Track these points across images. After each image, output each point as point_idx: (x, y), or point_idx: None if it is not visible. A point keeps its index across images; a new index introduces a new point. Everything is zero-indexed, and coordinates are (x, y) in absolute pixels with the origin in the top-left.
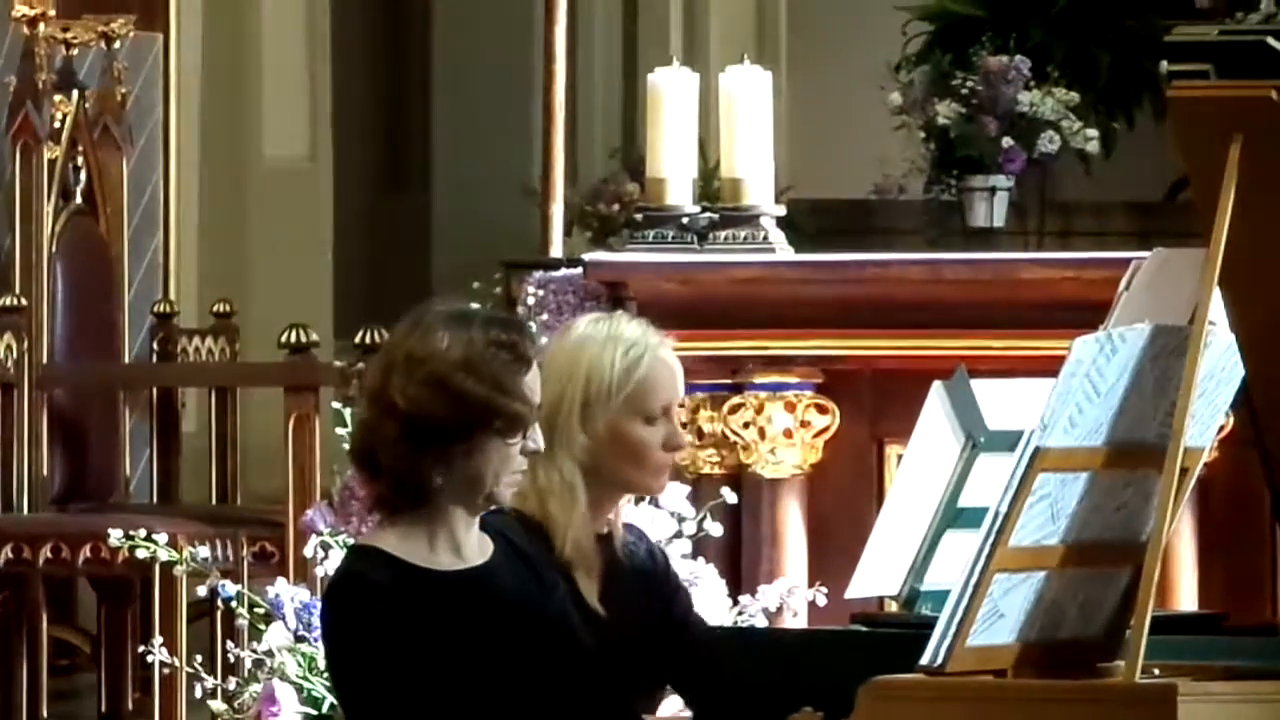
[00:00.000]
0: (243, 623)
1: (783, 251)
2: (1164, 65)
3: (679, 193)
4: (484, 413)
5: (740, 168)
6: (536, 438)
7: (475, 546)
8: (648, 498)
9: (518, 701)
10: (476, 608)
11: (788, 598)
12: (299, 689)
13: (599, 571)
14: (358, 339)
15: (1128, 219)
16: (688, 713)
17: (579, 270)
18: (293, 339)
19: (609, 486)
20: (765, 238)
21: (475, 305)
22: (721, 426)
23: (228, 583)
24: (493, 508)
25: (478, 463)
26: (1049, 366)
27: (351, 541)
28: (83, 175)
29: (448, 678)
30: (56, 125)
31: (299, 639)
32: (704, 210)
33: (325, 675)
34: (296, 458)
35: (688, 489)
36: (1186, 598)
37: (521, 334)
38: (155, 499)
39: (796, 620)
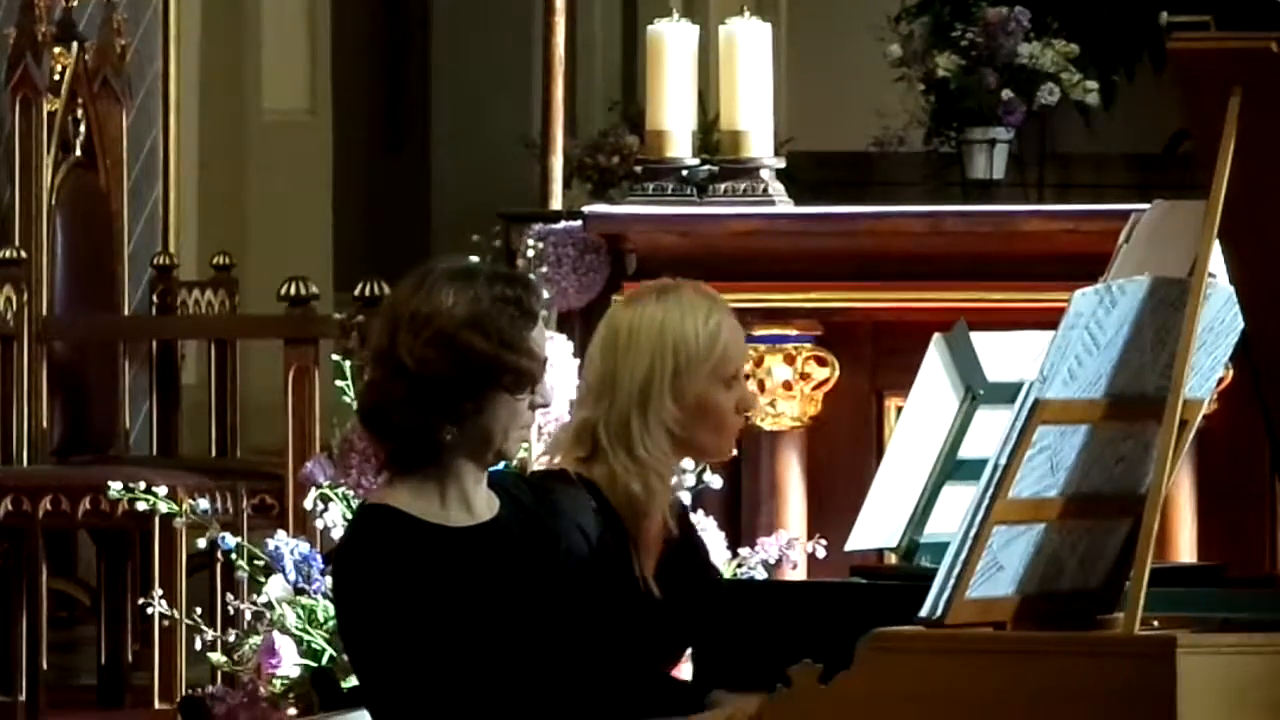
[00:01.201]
0: (242, 575)
1: (782, 204)
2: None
3: (679, 145)
4: (492, 369)
5: (740, 120)
6: (545, 392)
7: (485, 502)
8: None
9: (529, 656)
10: (489, 562)
11: (787, 550)
12: (299, 641)
13: (657, 548)
14: (357, 291)
15: (1127, 171)
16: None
17: (578, 223)
18: (292, 291)
19: (687, 455)
20: (765, 190)
21: (477, 260)
22: None
23: (227, 535)
24: (500, 464)
25: (487, 419)
26: (1048, 319)
27: (352, 495)
28: (82, 128)
29: (460, 633)
30: (56, 78)
31: (299, 591)
32: (704, 163)
33: (328, 629)
34: (296, 410)
35: None
36: (1186, 549)
37: (527, 289)
38: (155, 451)
39: (796, 572)
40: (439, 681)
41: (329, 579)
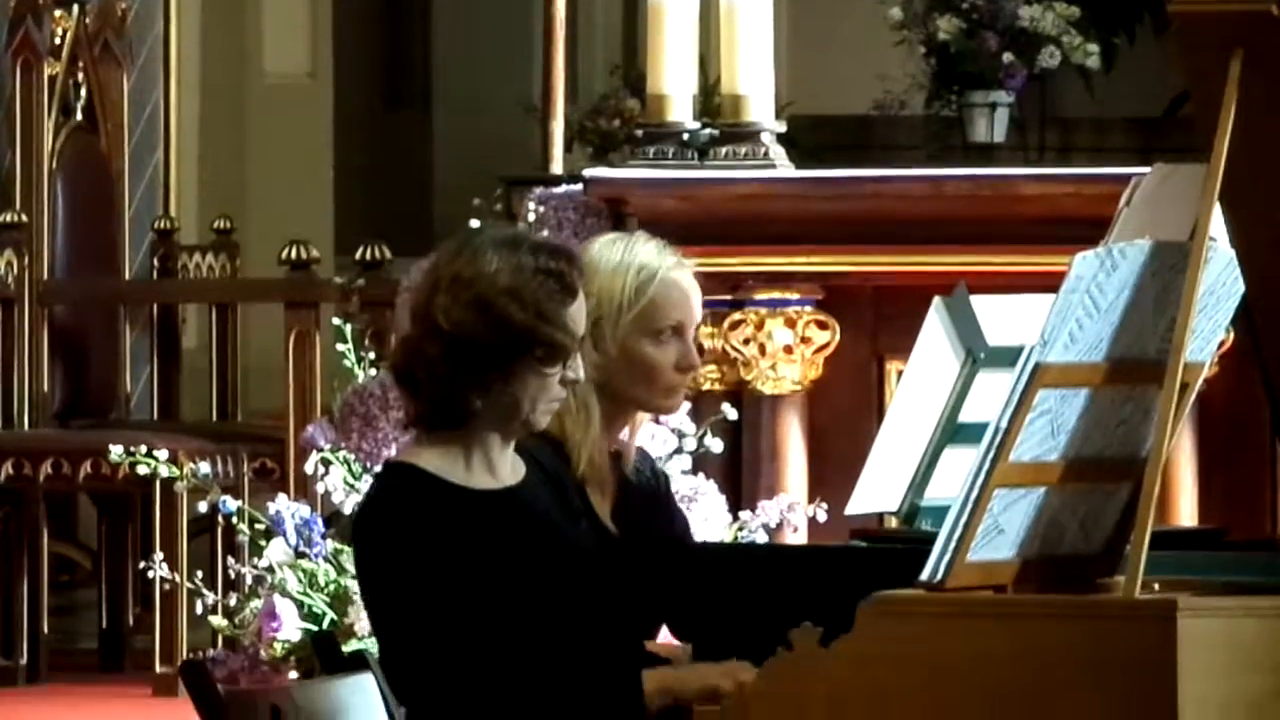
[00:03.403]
0: (243, 539)
1: (783, 168)
2: None
3: (680, 109)
4: (526, 340)
5: (741, 84)
6: (577, 368)
7: (509, 468)
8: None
9: (545, 620)
10: (511, 526)
11: (788, 514)
12: (299, 605)
13: (611, 490)
14: (358, 255)
15: (1128, 134)
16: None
17: (579, 187)
18: (293, 255)
19: (621, 405)
20: (766, 154)
21: (524, 228)
22: (722, 343)
23: (228, 499)
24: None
25: (515, 389)
26: (1049, 282)
27: (353, 458)
28: (83, 91)
29: (480, 594)
30: (57, 41)
31: (299, 555)
32: (704, 126)
33: (328, 593)
34: (297, 374)
35: (688, 405)
36: (1186, 513)
37: (570, 263)
38: (156, 415)
39: (796, 536)
40: (455, 639)
41: (330, 542)
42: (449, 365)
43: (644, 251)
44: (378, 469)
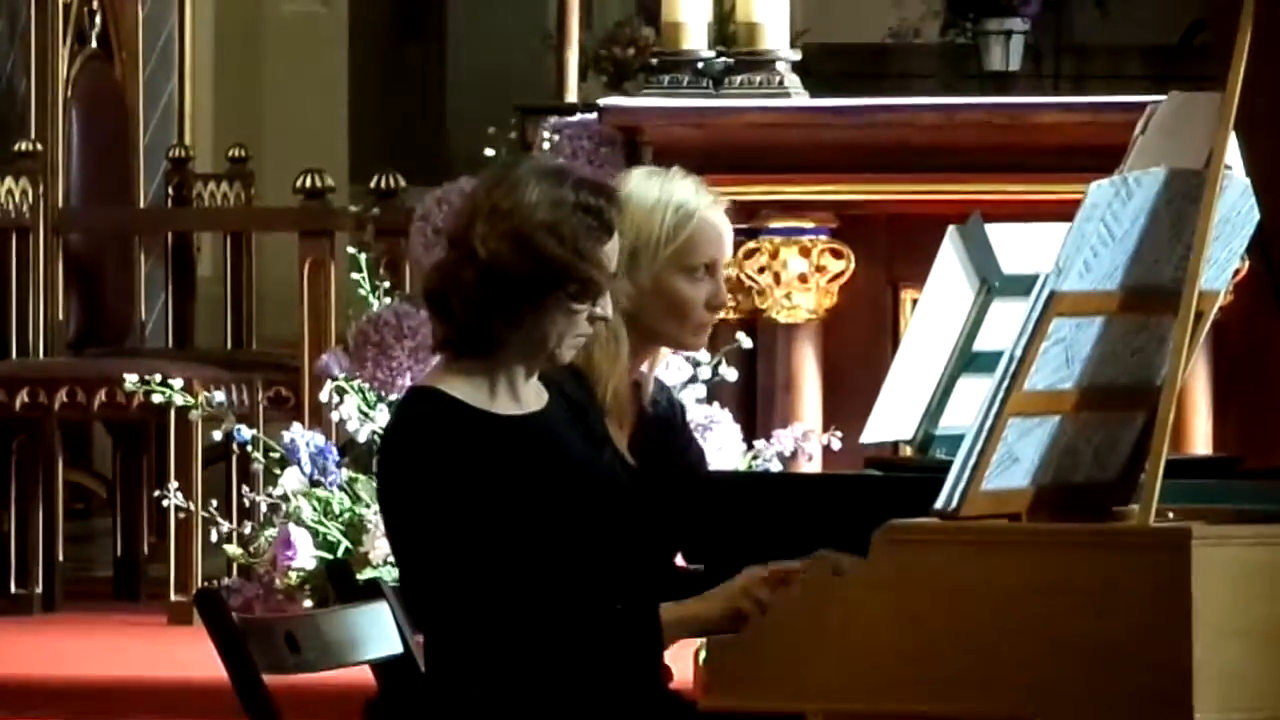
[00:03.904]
0: (258, 467)
1: (798, 96)
2: None
3: (694, 37)
4: (560, 275)
5: (755, 12)
6: (606, 305)
7: (533, 395)
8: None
9: (568, 545)
10: (536, 451)
11: (802, 442)
12: (314, 533)
13: (630, 421)
14: (373, 184)
15: (1143, 62)
16: None
17: (594, 115)
18: (308, 184)
19: (649, 339)
20: (780, 82)
21: (566, 162)
22: (737, 271)
23: (243, 427)
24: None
25: (544, 322)
26: (1064, 211)
27: (367, 387)
28: (98, 20)
29: (504, 519)
30: None
31: (314, 483)
32: (719, 55)
33: (343, 521)
34: (311, 303)
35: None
36: (1201, 441)
37: (610, 200)
38: (170, 344)
39: (811, 465)
40: (478, 564)
41: (344, 471)
42: (481, 293)
43: (681, 188)
44: (400, 394)
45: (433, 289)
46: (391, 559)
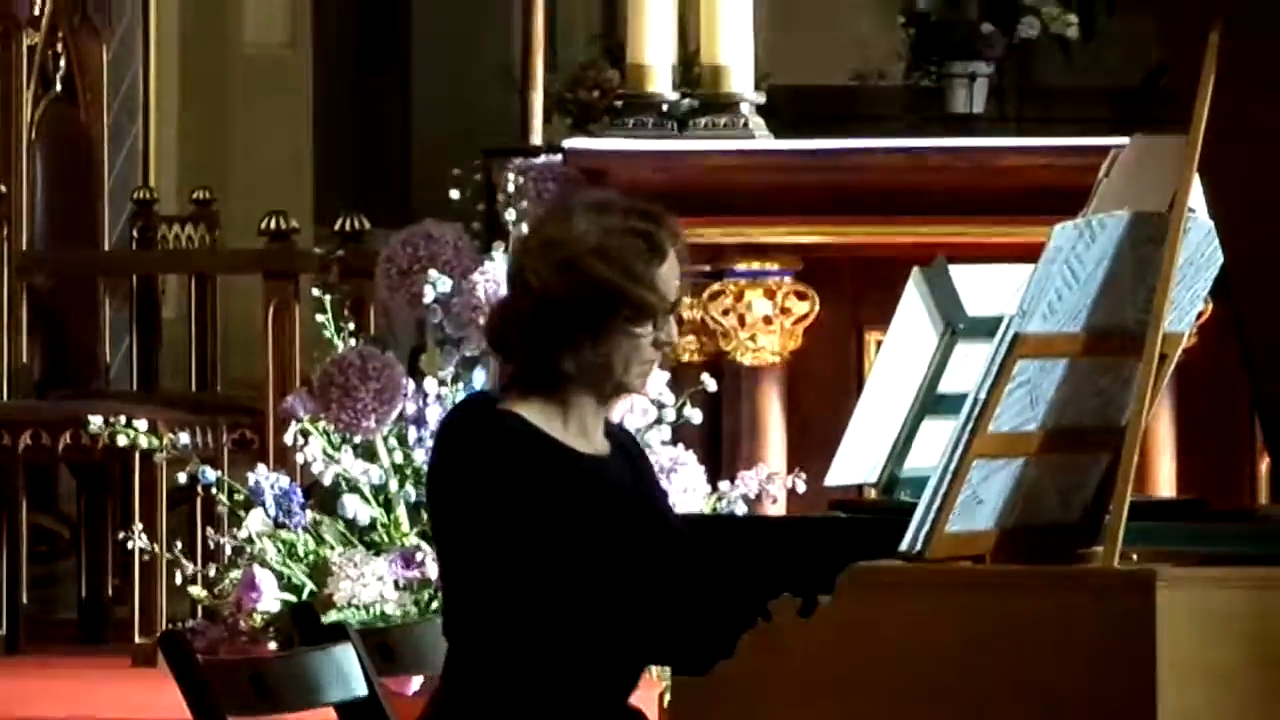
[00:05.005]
0: (223, 509)
1: (763, 138)
2: None
3: (659, 80)
4: (612, 299)
5: (720, 54)
6: (670, 330)
7: (601, 439)
8: None
9: (627, 590)
10: (606, 492)
11: (767, 485)
12: (279, 575)
13: None
14: (337, 226)
15: (1108, 105)
16: None
17: (559, 157)
18: (272, 226)
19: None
20: (745, 124)
21: (616, 194)
22: (701, 313)
23: (208, 469)
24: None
25: (606, 350)
26: (1028, 253)
27: (332, 429)
28: (62, 63)
29: (571, 556)
30: (36, 12)
31: (279, 525)
32: (684, 97)
33: (308, 564)
34: (276, 344)
35: (667, 376)
36: (1165, 484)
37: (660, 224)
38: (135, 386)
39: (775, 507)
40: (539, 590)
41: (309, 513)
42: (539, 325)
43: None
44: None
45: (493, 328)
46: (357, 601)
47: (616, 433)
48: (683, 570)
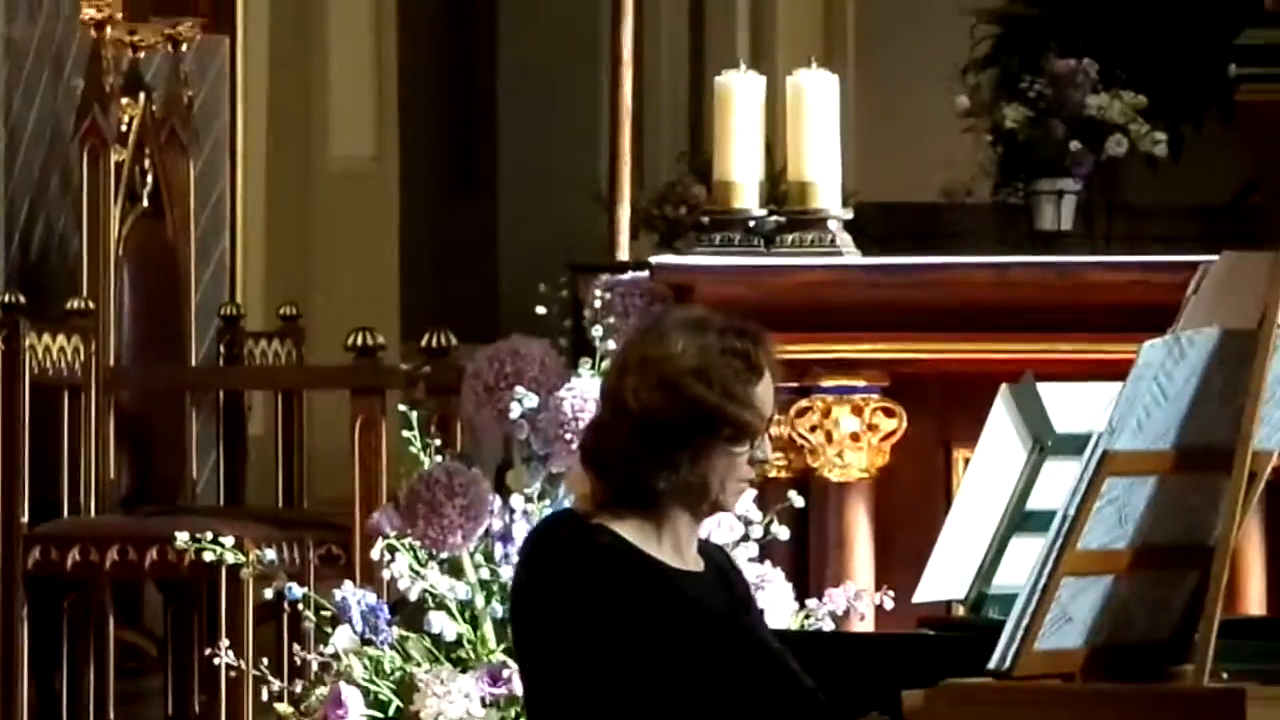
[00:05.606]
0: (309, 625)
1: (850, 255)
2: (1232, 68)
3: (746, 196)
4: (713, 419)
5: (807, 171)
6: (765, 447)
7: (695, 555)
8: None
9: (720, 710)
10: (703, 612)
11: (855, 601)
12: (365, 692)
13: None
14: (424, 342)
15: (1196, 222)
16: None
17: (646, 273)
18: (359, 342)
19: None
20: (832, 240)
21: (707, 311)
22: (788, 430)
23: (294, 585)
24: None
25: (704, 469)
26: (1117, 370)
27: (419, 546)
28: (149, 178)
29: (666, 672)
30: (123, 129)
31: (365, 642)
32: (771, 213)
33: (394, 680)
34: (363, 460)
35: (754, 493)
36: (1255, 602)
37: (756, 344)
38: (222, 502)
39: (863, 624)
40: (643, 713)
41: (395, 629)
42: (637, 445)
43: None
44: (547, 521)
45: (589, 447)
46: (444, 718)
47: (709, 548)
48: (775, 689)
